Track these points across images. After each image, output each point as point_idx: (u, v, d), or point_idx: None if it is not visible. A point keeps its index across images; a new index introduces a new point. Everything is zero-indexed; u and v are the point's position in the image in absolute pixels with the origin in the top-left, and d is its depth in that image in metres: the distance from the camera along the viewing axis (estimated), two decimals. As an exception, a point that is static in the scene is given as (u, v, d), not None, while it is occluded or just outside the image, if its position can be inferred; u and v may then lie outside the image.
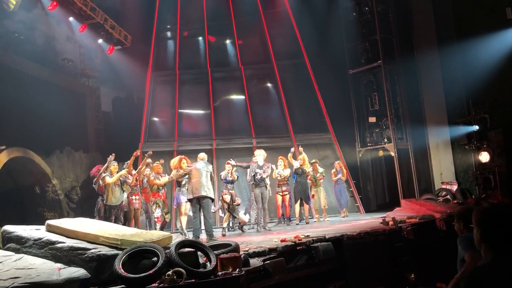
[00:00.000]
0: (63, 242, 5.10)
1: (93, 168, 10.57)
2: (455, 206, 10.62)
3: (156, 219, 9.46)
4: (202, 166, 8.64)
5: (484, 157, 11.60)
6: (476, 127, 12.09)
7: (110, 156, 9.15)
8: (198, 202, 8.44)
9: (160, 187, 9.49)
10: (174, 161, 9.43)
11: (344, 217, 11.72)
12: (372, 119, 13.51)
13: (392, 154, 12.96)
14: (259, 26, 15.48)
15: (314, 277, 6.67)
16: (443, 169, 13.31)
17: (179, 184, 9.48)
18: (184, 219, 9.50)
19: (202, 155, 9.10)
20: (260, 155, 10.00)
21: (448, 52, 12.41)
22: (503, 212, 2.21)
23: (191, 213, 9.17)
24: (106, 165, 9.03)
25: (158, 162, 9.91)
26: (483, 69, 11.11)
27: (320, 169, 11.36)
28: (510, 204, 10.24)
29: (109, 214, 8.59)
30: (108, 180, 8.59)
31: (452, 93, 12.76)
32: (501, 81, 11.50)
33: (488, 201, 10.81)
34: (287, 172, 10.59)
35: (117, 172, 8.88)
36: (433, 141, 13.45)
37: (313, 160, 11.47)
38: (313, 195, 11.29)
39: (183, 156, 9.54)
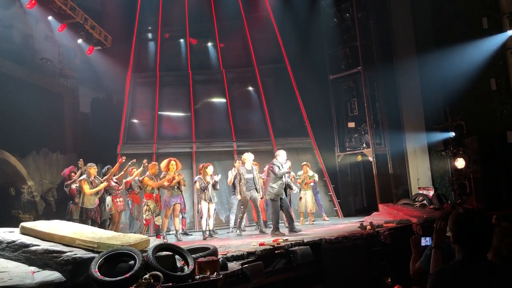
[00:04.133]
0: (37, 245, 5.00)
1: (65, 169, 10.43)
2: (432, 211, 10.80)
3: (145, 222, 9.36)
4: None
5: (460, 163, 11.82)
6: (453, 134, 12.32)
7: (80, 161, 9.16)
8: None
9: (155, 189, 9.38)
10: (163, 164, 9.38)
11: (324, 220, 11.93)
12: (351, 124, 13.65)
13: (371, 159, 13.11)
14: (241, 30, 15.51)
15: (292, 281, 6.68)
16: (420, 175, 13.52)
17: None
18: (176, 222, 9.41)
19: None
20: (250, 160, 9.94)
21: (427, 60, 12.65)
22: (474, 217, 2.33)
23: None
24: (79, 171, 8.97)
25: (155, 162, 9.86)
26: (460, 77, 11.35)
27: (311, 172, 11.44)
28: (484, 210, 10.50)
29: (86, 217, 8.45)
30: (87, 190, 8.42)
31: (430, 100, 12.99)
32: (477, 89, 11.77)
33: (463, 206, 11.01)
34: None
35: (97, 175, 8.81)
36: (411, 147, 13.66)
37: (304, 162, 11.59)
38: (300, 198, 11.37)
39: (172, 158, 9.48)
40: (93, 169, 8.69)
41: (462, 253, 2.30)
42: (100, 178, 8.91)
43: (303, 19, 14.66)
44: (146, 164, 9.59)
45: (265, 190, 9.25)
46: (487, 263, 2.28)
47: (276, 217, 8.95)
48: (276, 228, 8.74)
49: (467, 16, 12.15)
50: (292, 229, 8.81)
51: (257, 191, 9.75)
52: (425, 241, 3.80)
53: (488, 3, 11.96)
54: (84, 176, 8.61)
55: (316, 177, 11.82)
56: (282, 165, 8.95)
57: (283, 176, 8.93)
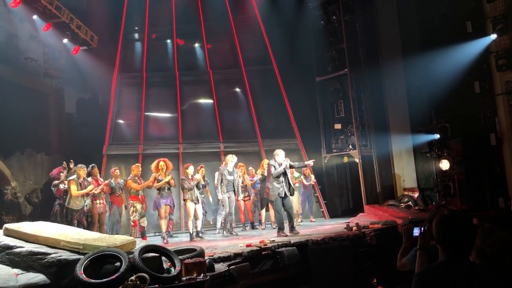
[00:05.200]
0: (21, 247, 4.94)
1: (53, 169, 10.32)
2: (417, 212, 10.94)
3: (132, 223, 9.27)
4: None
5: (445, 165, 11.95)
6: (437, 136, 12.46)
7: (70, 163, 9.06)
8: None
9: (139, 191, 9.30)
10: (153, 164, 9.32)
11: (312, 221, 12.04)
12: (338, 126, 13.72)
13: (357, 160, 13.19)
14: (229, 31, 15.49)
15: (279, 282, 6.71)
16: (405, 176, 13.65)
17: (157, 189, 9.30)
18: (163, 223, 9.32)
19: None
20: (232, 162, 9.97)
21: (412, 62, 12.76)
22: (456, 219, 2.36)
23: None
24: (65, 172, 8.87)
25: (138, 164, 9.79)
26: (444, 80, 11.49)
27: (296, 174, 11.47)
28: (467, 211, 10.67)
29: (71, 218, 8.36)
30: (74, 191, 8.35)
31: (415, 102, 13.12)
32: (461, 91, 11.92)
33: (448, 207, 11.16)
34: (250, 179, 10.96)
35: (86, 177, 8.73)
36: (396, 148, 13.77)
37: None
38: None
39: (162, 159, 9.42)
40: (82, 170, 8.63)
41: (445, 254, 2.34)
42: (89, 180, 8.84)
43: (290, 21, 14.70)
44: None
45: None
46: (469, 264, 2.32)
47: (278, 217, 8.89)
48: (280, 229, 8.70)
49: (451, 20, 12.30)
50: (290, 229, 8.77)
51: (234, 194, 9.79)
52: (418, 232, 3.79)
53: (472, 8, 12.14)
54: (73, 177, 8.53)
55: (311, 179, 11.97)
56: (280, 164, 8.88)
57: (280, 175, 8.87)
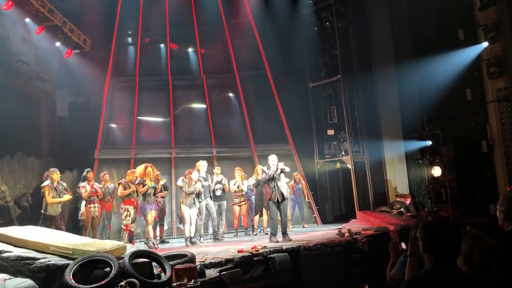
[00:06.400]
0: (9, 251, 4.89)
1: (45, 172, 10.19)
2: (408, 218, 10.96)
3: (124, 227, 9.20)
4: None
5: (436, 171, 12.01)
6: (429, 143, 12.52)
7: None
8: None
9: (132, 195, 9.20)
10: (139, 169, 9.25)
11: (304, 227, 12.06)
12: (331, 132, 13.75)
13: (349, 166, 13.21)
14: (222, 36, 15.50)
15: (270, 288, 6.68)
16: (397, 182, 13.69)
17: (143, 194, 9.22)
18: (151, 229, 9.25)
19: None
20: (203, 167, 10.01)
21: (405, 69, 12.83)
22: (442, 226, 2.37)
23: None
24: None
25: (133, 170, 9.71)
26: (436, 87, 11.56)
27: (285, 179, 11.43)
28: (456, 218, 10.72)
29: (49, 224, 8.19)
30: (49, 198, 8.17)
31: (408, 109, 13.18)
32: (453, 99, 12.01)
33: (438, 213, 11.19)
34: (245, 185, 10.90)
35: (59, 181, 8.58)
36: (389, 155, 13.82)
37: None
38: None
39: (149, 164, 9.36)
40: (55, 174, 8.40)
41: (432, 261, 2.33)
42: (64, 184, 8.68)
43: (283, 27, 14.75)
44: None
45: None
46: (456, 271, 2.32)
47: (271, 222, 8.88)
48: (272, 234, 8.69)
49: (444, 28, 12.41)
50: (282, 235, 8.73)
51: (211, 199, 9.77)
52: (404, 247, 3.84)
53: (464, 16, 12.25)
54: (47, 182, 8.33)
55: (302, 185, 11.98)
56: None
57: (268, 180, 8.82)
